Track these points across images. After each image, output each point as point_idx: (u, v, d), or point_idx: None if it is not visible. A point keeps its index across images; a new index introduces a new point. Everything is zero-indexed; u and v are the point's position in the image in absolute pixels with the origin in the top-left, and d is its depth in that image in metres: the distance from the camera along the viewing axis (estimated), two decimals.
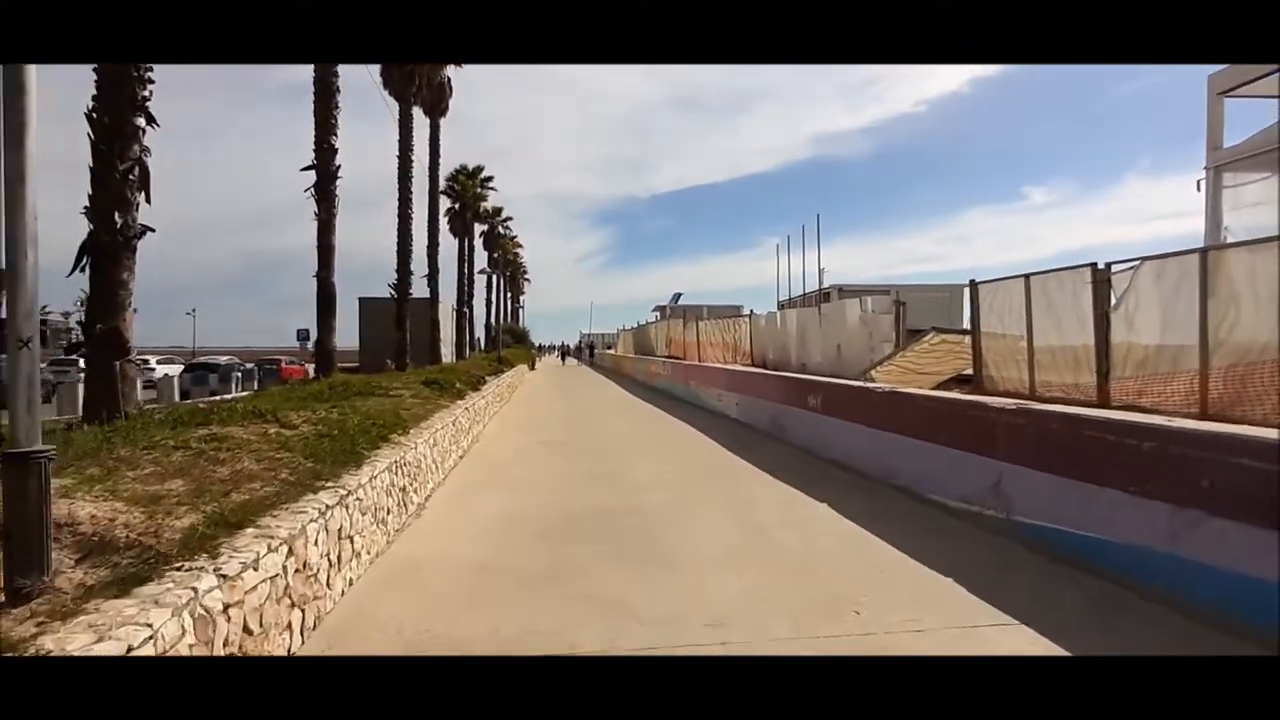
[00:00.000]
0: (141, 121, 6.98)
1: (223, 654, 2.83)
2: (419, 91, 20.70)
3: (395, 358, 19.11)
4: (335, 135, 12.82)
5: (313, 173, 12.77)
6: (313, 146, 12.73)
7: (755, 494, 7.38)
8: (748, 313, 30.43)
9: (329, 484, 4.71)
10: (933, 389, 10.13)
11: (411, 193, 19.62)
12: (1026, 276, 9.47)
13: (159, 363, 35.33)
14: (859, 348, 18.21)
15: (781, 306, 37.76)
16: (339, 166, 12.84)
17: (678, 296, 55.52)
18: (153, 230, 7.05)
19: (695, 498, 7.23)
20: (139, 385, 7.33)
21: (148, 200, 6.98)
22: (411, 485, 6.60)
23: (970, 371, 13.18)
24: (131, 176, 6.86)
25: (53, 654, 2.14)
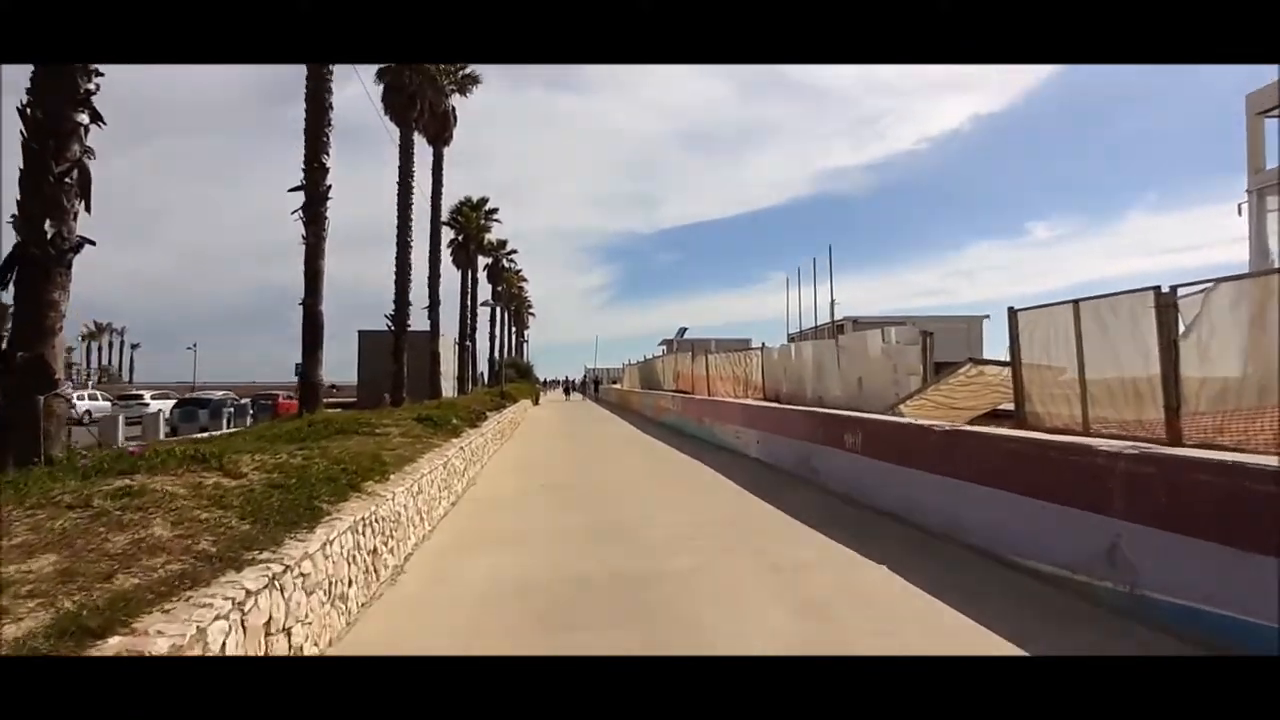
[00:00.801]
0: (85, 118, 6.03)
1: None
2: (420, 117, 20.00)
3: (391, 392, 18.00)
4: (327, 154, 11.93)
5: (301, 194, 11.85)
6: (302, 166, 11.84)
7: (799, 555, 6.19)
8: (757, 346, 29.45)
9: (263, 555, 3.57)
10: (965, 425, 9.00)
11: (411, 220, 18.78)
12: (1075, 302, 8.44)
13: (153, 398, 34.42)
14: (882, 381, 17.12)
15: (792, 339, 36.74)
16: (329, 187, 11.91)
17: (683, 331, 54.72)
18: (93, 243, 6.05)
19: (728, 560, 6.05)
20: (65, 422, 6.24)
21: (87, 208, 5.99)
22: (386, 545, 5.45)
23: (1007, 406, 12.29)
24: (69, 180, 5.88)
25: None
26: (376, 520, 5.21)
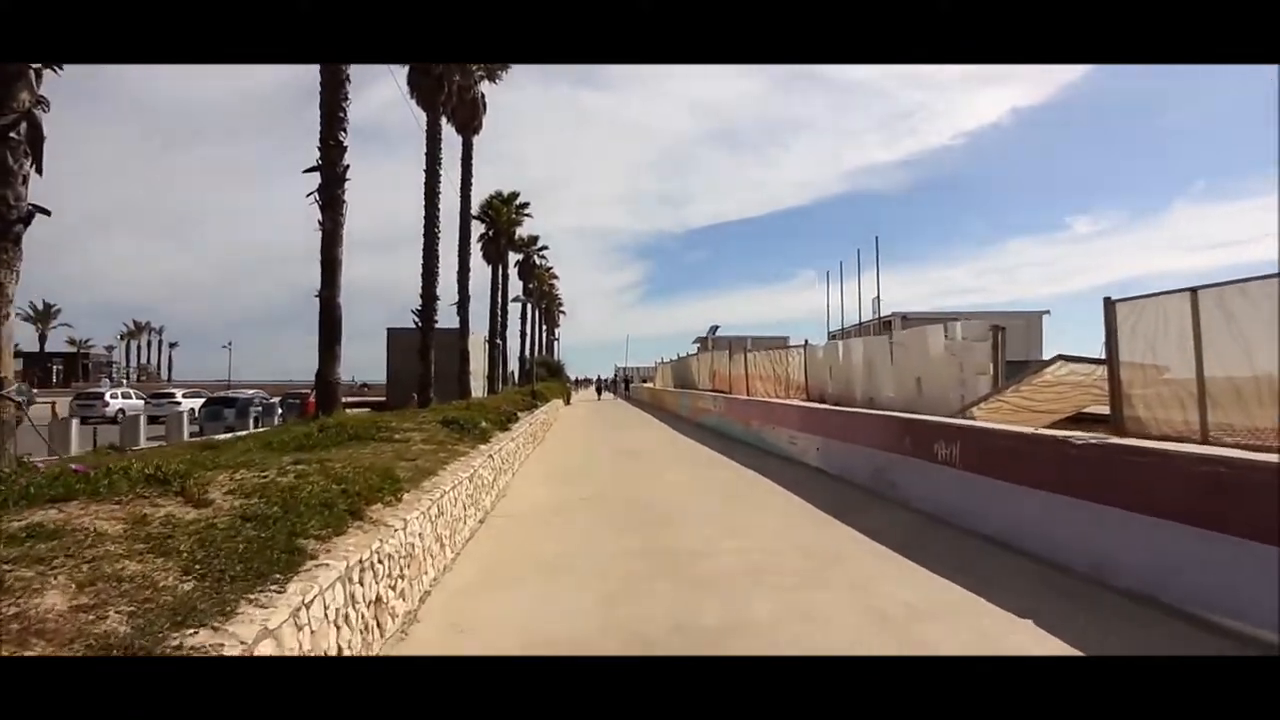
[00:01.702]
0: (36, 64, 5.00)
1: None
2: (448, 101, 18.99)
3: (418, 392, 17.03)
4: (344, 130, 10.91)
5: (316, 175, 10.84)
6: (317, 145, 10.83)
7: (907, 598, 4.91)
8: (796, 344, 27.95)
9: (197, 637, 2.44)
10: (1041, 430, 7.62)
11: (439, 210, 17.77)
12: (1193, 290, 7.11)
13: (184, 396, 34.15)
14: (945, 381, 15.71)
15: (833, 337, 35.19)
16: (347, 167, 10.88)
17: (715, 329, 53.42)
18: (47, 213, 5.01)
19: (820, 605, 4.80)
20: (16, 430, 5.26)
21: (38, 170, 4.96)
22: (394, 588, 4.32)
23: (1098, 409, 10.56)
24: (16, 135, 4.84)
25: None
26: (381, 560, 4.07)
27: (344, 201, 10.82)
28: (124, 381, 56.28)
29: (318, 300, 10.71)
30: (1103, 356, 9.60)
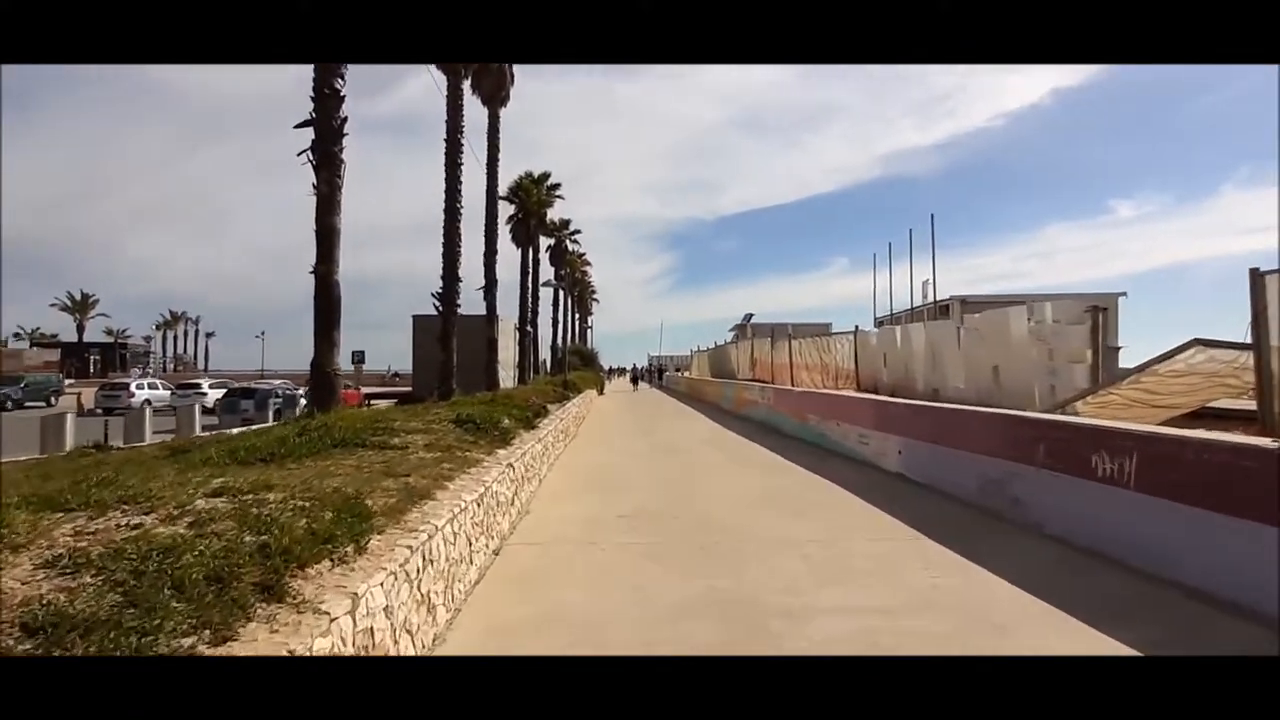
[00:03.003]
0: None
1: None
2: (468, 68, 17.31)
3: (438, 383, 15.50)
4: (341, 78, 9.29)
5: (310, 130, 9.23)
6: (310, 94, 9.21)
7: None
8: (847, 331, 25.79)
9: None
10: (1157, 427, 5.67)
11: (460, 183, 16.07)
12: None
13: (210, 387, 33.39)
14: (1029, 370, 13.73)
15: (880, 323, 32.90)
16: (344, 120, 9.25)
17: (749, 317, 51.36)
18: None
19: None
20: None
21: None
22: None
23: (1230, 404, 9.53)
24: None
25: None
26: None
27: (342, 161, 9.19)
28: (150, 371, 56.16)
29: (313, 277, 9.12)
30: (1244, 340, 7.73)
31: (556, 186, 32.79)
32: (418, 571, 3.75)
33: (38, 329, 76.42)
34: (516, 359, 30.76)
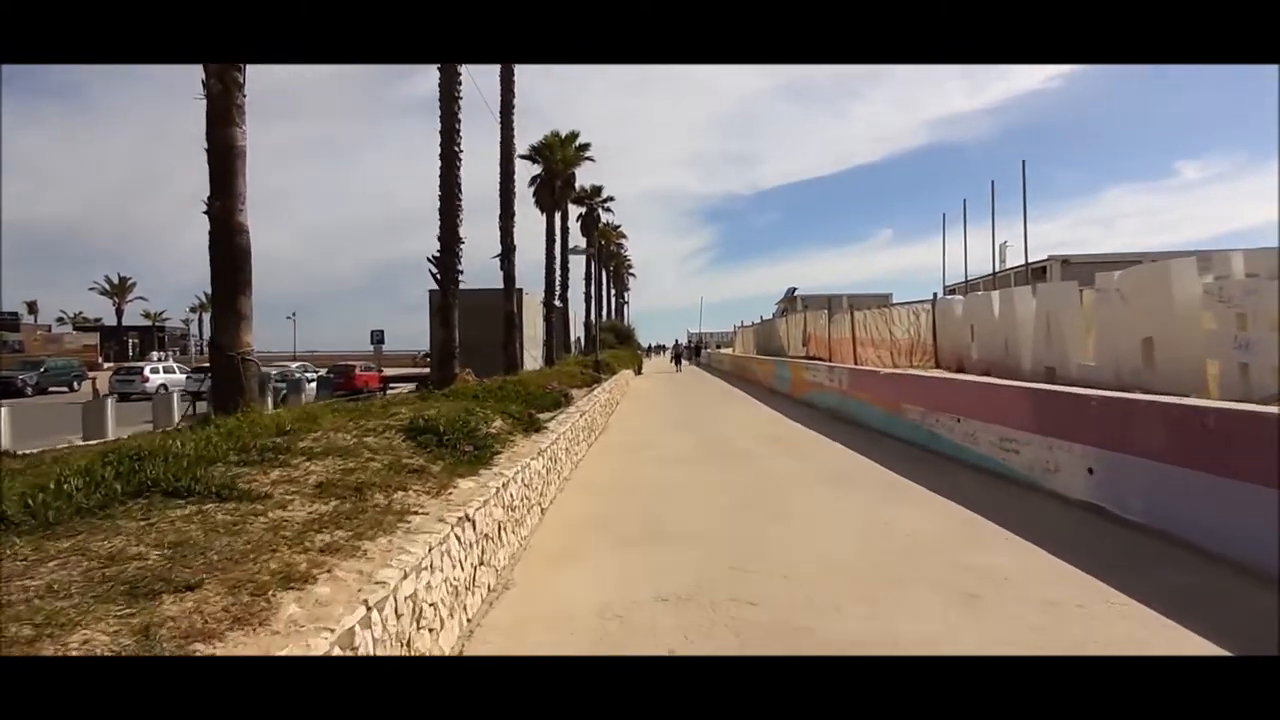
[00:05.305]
0: None
1: None
2: None
3: (435, 366, 12.71)
4: None
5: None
6: None
7: None
8: (900, 303, 22.27)
9: None
10: None
11: (459, 119, 13.04)
12: None
13: None
14: (1201, 343, 10.39)
15: (951, 292, 29.15)
16: None
17: (793, 290, 47.75)
18: None
19: None
20: None
21: None
22: None
23: None
24: None
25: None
26: None
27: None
28: (165, 356, 55.29)
29: (206, 219, 6.28)
30: None
31: (586, 147, 29.59)
32: None
33: (79, 313, 76.88)
34: (544, 337, 27.94)
